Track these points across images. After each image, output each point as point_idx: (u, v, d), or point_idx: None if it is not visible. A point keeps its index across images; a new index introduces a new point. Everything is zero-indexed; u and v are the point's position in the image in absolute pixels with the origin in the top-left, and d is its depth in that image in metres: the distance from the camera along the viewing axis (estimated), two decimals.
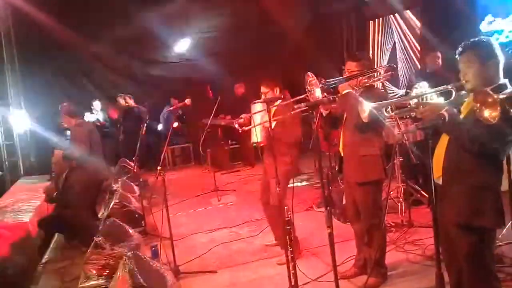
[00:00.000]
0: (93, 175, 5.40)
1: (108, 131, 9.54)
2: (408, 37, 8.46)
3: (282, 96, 4.05)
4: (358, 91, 3.53)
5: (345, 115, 3.71)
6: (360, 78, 3.52)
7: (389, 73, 3.70)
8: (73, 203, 5.28)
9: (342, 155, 3.85)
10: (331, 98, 3.42)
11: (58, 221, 5.45)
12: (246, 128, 4.62)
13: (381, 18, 9.21)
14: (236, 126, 4.60)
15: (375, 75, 3.62)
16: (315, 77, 2.97)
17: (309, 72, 3.00)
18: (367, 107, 2.76)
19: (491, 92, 2.12)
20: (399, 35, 8.71)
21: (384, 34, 9.15)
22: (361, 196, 3.70)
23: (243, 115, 4.69)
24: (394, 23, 8.83)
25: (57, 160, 5.70)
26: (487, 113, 2.13)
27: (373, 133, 3.61)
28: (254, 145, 6.27)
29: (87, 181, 5.36)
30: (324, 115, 3.72)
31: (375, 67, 3.67)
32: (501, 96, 2.10)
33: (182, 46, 10.62)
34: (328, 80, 3.23)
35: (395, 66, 3.74)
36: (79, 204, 5.28)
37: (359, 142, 3.62)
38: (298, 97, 3.56)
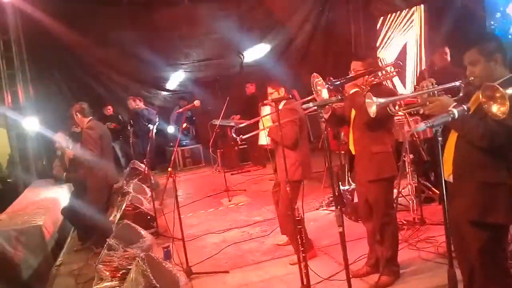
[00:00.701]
0: (103, 180, 5.40)
1: (119, 133, 9.62)
2: (417, 33, 8.42)
3: (290, 96, 4.05)
4: (366, 90, 3.52)
5: (353, 114, 3.71)
6: (367, 76, 3.52)
7: (395, 70, 3.69)
8: (86, 207, 5.31)
9: (352, 153, 3.85)
10: (339, 97, 3.45)
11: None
12: (244, 137, 4.61)
13: (389, 15, 9.17)
14: (233, 135, 4.56)
15: (382, 73, 3.61)
16: (321, 78, 2.97)
17: (315, 73, 3.01)
18: (374, 101, 2.75)
19: (499, 87, 2.10)
20: (408, 32, 8.67)
21: (393, 31, 9.11)
22: (374, 194, 3.68)
23: (242, 124, 4.70)
24: (402, 20, 8.79)
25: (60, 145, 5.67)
26: (495, 108, 2.10)
27: (383, 131, 3.61)
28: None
29: (98, 186, 5.37)
30: (325, 117, 3.73)
31: (381, 65, 3.64)
32: (509, 92, 2.08)
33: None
34: (333, 80, 3.23)
35: (401, 63, 3.71)
36: (92, 208, 5.29)
37: (370, 140, 3.61)
38: (306, 99, 3.56)
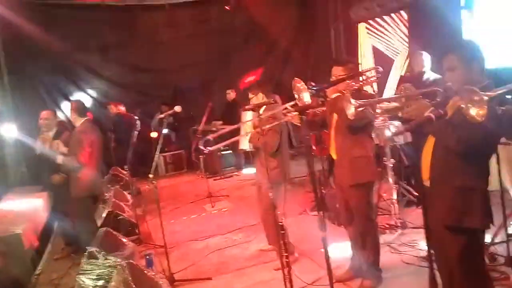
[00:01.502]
0: (90, 190, 5.12)
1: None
2: (396, 40, 8.52)
3: (272, 101, 4.06)
4: (346, 95, 3.56)
5: (334, 119, 3.73)
6: (347, 81, 3.55)
7: (375, 75, 3.74)
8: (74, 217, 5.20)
9: (333, 158, 3.88)
10: (321, 102, 3.48)
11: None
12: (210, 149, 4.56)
13: (369, 21, 9.26)
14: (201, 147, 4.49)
15: (362, 78, 3.66)
16: (302, 82, 2.98)
17: (296, 78, 3.02)
18: (352, 103, 2.78)
19: (477, 90, 2.12)
20: (387, 38, 8.77)
21: (372, 37, 9.20)
22: (355, 198, 3.71)
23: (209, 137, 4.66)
24: (382, 25, 8.88)
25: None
26: (473, 111, 2.11)
27: (364, 135, 3.67)
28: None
29: (85, 197, 5.10)
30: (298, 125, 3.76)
31: (361, 70, 3.70)
32: (485, 97, 2.10)
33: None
34: (314, 85, 3.25)
35: (380, 68, 3.77)
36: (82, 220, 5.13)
37: (351, 144, 3.65)
38: (288, 104, 3.58)
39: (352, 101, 2.73)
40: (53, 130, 5.57)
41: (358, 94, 3.58)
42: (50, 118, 5.64)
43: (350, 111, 2.76)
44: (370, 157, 3.68)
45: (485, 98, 2.09)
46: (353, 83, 3.57)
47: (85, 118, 5.17)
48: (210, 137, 4.13)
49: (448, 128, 2.49)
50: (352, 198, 3.74)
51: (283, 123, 4.45)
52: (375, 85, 8.41)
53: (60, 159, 5.07)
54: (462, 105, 2.14)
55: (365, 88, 3.83)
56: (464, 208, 2.56)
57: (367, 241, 3.75)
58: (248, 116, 4.67)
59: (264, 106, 4.40)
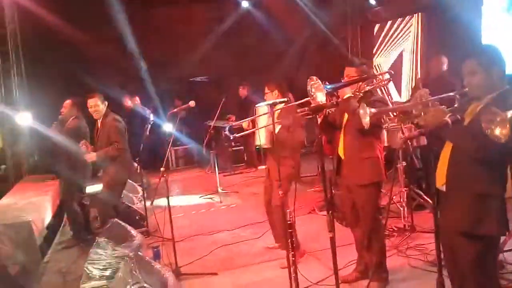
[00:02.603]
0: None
1: None
2: (413, 42, 8.45)
3: (287, 99, 4.06)
4: (359, 96, 3.56)
5: (345, 119, 3.72)
6: (360, 83, 3.54)
7: (387, 78, 3.72)
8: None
9: (341, 158, 3.85)
10: (334, 103, 3.46)
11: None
12: (237, 135, 4.62)
13: (386, 23, 9.20)
14: (227, 132, 4.55)
15: (375, 80, 3.65)
16: (319, 81, 2.97)
17: (312, 76, 3.01)
18: (368, 113, 2.76)
19: (498, 111, 2.10)
20: (405, 39, 8.70)
21: (390, 38, 9.14)
22: (362, 199, 3.70)
23: (244, 121, 4.76)
24: (399, 27, 8.82)
25: None
26: (497, 131, 2.11)
27: (373, 137, 3.66)
28: (257, 147, 6.23)
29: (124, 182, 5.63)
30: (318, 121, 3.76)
31: (375, 72, 3.69)
32: (509, 115, 2.08)
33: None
34: (326, 85, 3.24)
35: (392, 72, 3.76)
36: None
37: (360, 145, 3.64)
38: (301, 101, 3.58)
39: (367, 110, 2.71)
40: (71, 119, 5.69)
41: (370, 96, 3.58)
42: (67, 107, 5.74)
43: (366, 119, 2.75)
44: (378, 158, 3.66)
45: (508, 116, 2.07)
46: (364, 85, 3.56)
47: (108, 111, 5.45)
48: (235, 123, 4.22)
49: (467, 135, 2.46)
50: (358, 198, 3.73)
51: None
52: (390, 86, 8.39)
53: (91, 156, 5.25)
54: (486, 128, 2.12)
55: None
56: (481, 214, 2.53)
57: (372, 242, 3.73)
58: (262, 110, 4.67)
59: (282, 104, 4.44)
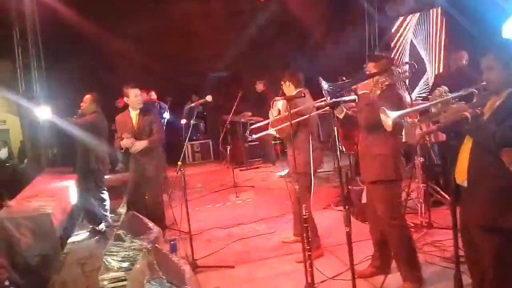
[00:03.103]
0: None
1: None
2: (432, 36, 8.35)
3: (303, 94, 4.05)
4: (376, 91, 3.50)
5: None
6: (377, 78, 3.49)
7: (409, 70, 3.65)
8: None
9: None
10: (352, 98, 3.45)
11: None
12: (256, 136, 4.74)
13: (404, 17, 9.10)
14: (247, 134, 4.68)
15: (395, 74, 3.58)
16: (323, 82, 2.98)
17: (320, 77, 3.02)
18: (389, 116, 2.74)
19: None
20: (423, 34, 8.60)
21: (407, 33, 9.04)
22: (375, 196, 3.69)
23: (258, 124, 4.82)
24: (418, 21, 8.72)
25: None
26: None
27: (387, 134, 3.48)
28: (274, 142, 6.20)
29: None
30: (340, 117, 3.75)
31: (395, 67, 3.62)
32: None
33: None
34: (330, 85, 3.23)
35: (415, 64, 3.69)
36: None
37: (372, 141, 3.61)
38: (319, 100, 3.57)
39: (389, 113, 2.70)
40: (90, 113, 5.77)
41: (389, 91, 3.52)
42: (88, 102, 5.83)
43: (388, 123, 2.73)
44: (391, 156, 3.56)
45: None
46: (384, 79, 3.51)
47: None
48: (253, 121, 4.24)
49: (487, 129, 2.44)
50: (373, 195, 3.72)
51: (311, 115, 4.45)
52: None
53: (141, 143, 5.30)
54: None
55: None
56: (503, 208, 2.53)
57: (391, 239, 3.69)
58: (279, 104, 4.71)
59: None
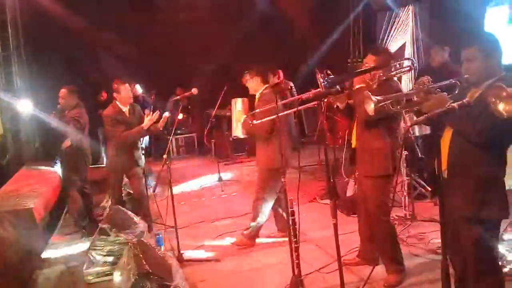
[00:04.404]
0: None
1: None
2: (415, 31, 8.41)
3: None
4: (372, 86, 3.47)
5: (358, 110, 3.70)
6: (374, 72, 3.47)
7: (410, 66, 3.64)
8: None
9: (353, 147, 3.86)
10: (338, 89, 3.44)
11: None
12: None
13: (388, 11, 9.14)
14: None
15: (394, 68, 3.57)
16: (322, 74, 2.97)
17: (316, 69, 3.01)
18: (372, 100, 2.76)
19: (504, 87, 2.15)
20: (407, 29, 8.66)
21: (392, 27, 9.09)
22: (367, 190, 3.69)
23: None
24: (402, 16, 8.77)
25: None
26: (501, 106, 2.15)
27: (384, 129, 3.57)
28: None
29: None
30: (340, 107, 3.75)
31: (392, 62, 3.61)
32: None
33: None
34: (330, 78, 3.22)
35: (414, 60, 3.70)
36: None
37: (369, 136, 3.61)
38: (313, 91, 3.56)
39: (372, 97, 2.71)
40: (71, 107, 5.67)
41: (386, 85, 3.48)
42: (65, 96, 5.71)
43: (370, 107, 2.75)
44: (388, 151, 3.57)
45: None
46: (381, 74, 3.47)
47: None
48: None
49: (467, 119, 2.48)
50: (366, 189, 3.72)
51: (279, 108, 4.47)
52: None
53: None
54: (491, 100, 2.17)
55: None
56: (483, 198, 2.57)
57: (377, 233, 3.72)
58: (238, 103, 4.71)
59: (260, 92, 4.56)
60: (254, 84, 4.69)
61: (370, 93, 2.88)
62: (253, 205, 4.71)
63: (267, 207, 4.66)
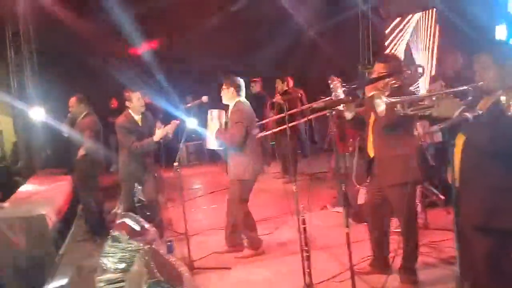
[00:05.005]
0: None
1: None
2: (425, 38, 8.39)
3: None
4: (386, 93, 3.45)
5: (372, 118, 3.66)
6: (387, 80, 3.46)
7: (419, 73, 3.62)
8: None
9: (371, 157, 3.79)
10: (350, 98, 3.44)
11: None
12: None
13: (398, 19, 9.13)
14: None
15: (405, 76, 3.55)
16: (338, 80, 2.97)
17: (332, 76, 3.01)
18: (383, 101, 2.74)
19: None
20: (417, 36, 8.64)
21: (401, 35, 9.07)
22: (396, 200, 3.58)
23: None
24: (411, 24, 8.76)
25: None
26: None
27: (403, 134, 3.52)
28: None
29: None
30: (348, 117, 3.73)
31: (403, 69, 3.59)
32: None
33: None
34: (349, 84, 3.21)
35: (424, 67, 3.68)
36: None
37: (389, 143, 3.55)
38: (325, 99, 3.56)
39: (384, 98, 2.70)
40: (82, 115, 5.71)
41: (399, 92, 3.42)
42: (74, 105, 5.77)
43: (380, 108, 2.74)
44: (409, 156, 3.50)
45: None
46: (393, 81, 3.46)
47: None
48: None
49: (480, 127, 2.46)
50: (392, 199, 3.61)
51: (251, 117, 4.60)
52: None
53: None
54: (504, 101, 2.14)
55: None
56: (495, 207, 2.55)
57: (409, 243, 3.64)
58: (214, 114, 4.71)
59: (234, 103, 4.62)
60: (228, 94, 4.67)
61: (380, 94, 2.86)
62: (235, 218, 4.74)
63: (246, 215, 4.71)
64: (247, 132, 4.50)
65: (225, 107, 4.80)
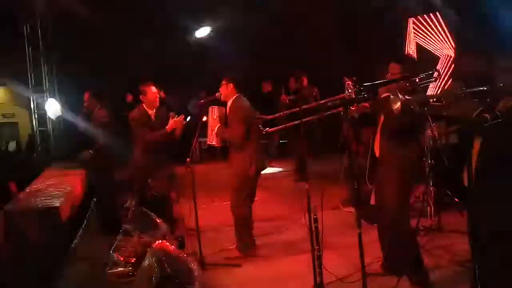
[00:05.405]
0: None
1: None
2: (443, 37, 8.28)
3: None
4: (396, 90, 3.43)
5: (381, 119, 3.66)
6: (400, 83, 3.42)
7: (435, 76, 3.57)
8: None
9: (376, 156, 3.81)
10: (366, 96, 3.40)
11: None
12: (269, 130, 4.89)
13: (413, 19, 9.02)
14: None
15: (419, 78, 3.51)
16: (350, 82, 2.95)
17: (345, 77, 2.99)
18: (399, 99, 2.71)
19: None
20: (433, 35, 8.53)
21: (419, 33, 8.96)
22: (388, 198, 3.63)
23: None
24: (429, 22, 8.64)
25: None
26: None
27: (409, 139, 3.54)
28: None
29: None
30: (355, 117, 3.71)
31: (417, 71, 3.55)
32: None
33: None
34: (364, 84, 3.18)
35: (439, 70, 3.63)
36: None
37: (394, 146, 3.57)
38: (336, 97, 3.54)
39: (399, 95, 2.67)
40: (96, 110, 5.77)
41: (412, 95, 3.37)
42: (89, 99, 5.83)
43: (396, 105, 2.71)
44: (411, 161, 3.55)
45: None
46: (407, 84, 3.42)
47: None
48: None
49: (498, 128, 2.42)
50: (386, 197, 3.66)
51: (250, 114, 4.60)
52: None
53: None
54: None
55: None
56: (509, 212, 2.49)
57: (397, 241, 3.66)
58: (214, 111, 4.71)
59: (232, 99, 4.60)
60: (227, 90, 4.66)
61: (397, 92, 2.83)
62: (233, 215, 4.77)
63: (246, 213, 4.75)
64: (248, 129, 4.48)
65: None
